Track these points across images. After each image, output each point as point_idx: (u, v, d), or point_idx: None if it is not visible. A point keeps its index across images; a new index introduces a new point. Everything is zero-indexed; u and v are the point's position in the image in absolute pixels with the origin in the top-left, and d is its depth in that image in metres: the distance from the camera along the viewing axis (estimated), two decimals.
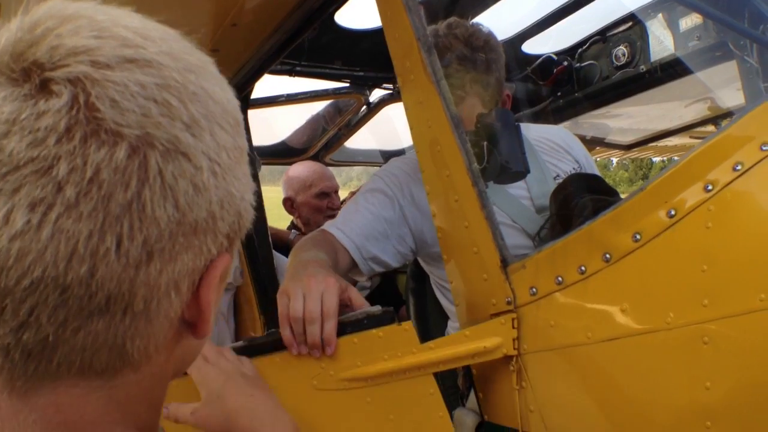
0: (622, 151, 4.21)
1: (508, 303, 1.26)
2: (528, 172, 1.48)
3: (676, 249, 1.06)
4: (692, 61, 2.62)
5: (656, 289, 1.07)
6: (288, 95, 3.02)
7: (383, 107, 3.34)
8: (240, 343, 1.31)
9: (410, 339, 1.25)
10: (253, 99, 2.69)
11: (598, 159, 4.77)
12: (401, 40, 1.42)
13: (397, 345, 1.25)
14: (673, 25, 2.67)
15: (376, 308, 1.28)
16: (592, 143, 3.98)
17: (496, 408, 1.34)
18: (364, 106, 3.32)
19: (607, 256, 1.13)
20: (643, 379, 1.07)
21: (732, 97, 3.29)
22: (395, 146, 4.43)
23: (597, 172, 2.07)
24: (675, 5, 2.63)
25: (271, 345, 1.27)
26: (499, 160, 1.38)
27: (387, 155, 4.38)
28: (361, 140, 4.17)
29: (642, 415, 1.07)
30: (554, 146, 1.88)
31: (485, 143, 1.38)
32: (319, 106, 3.52)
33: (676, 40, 2.66)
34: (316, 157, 3.84)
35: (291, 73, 2.69)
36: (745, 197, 1.03)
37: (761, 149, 1.02)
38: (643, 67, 2.76)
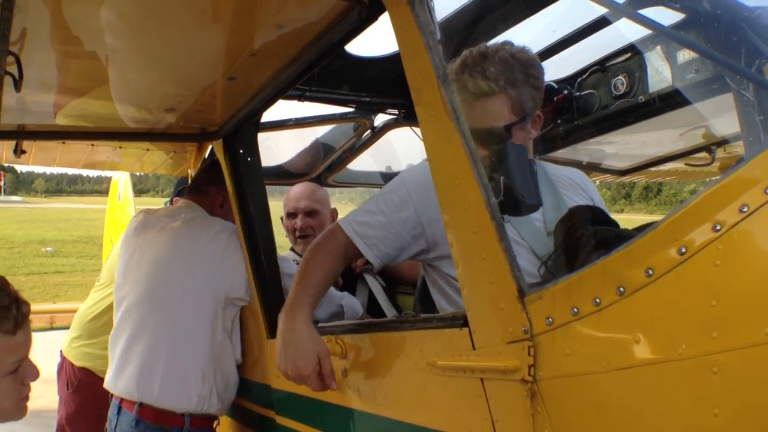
0: (618, 176, 4.31)
1: (525, 332, 1.33)
2: (540, 204, 1.56)
3: (686, 284, 1.13)
4: (689, 92, 2.72)
5: (668, 322, 1.14)
6: (296, 119, 3.10)
7: (387, 131, 3.42)
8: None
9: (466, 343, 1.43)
10: (263, 123, 2.76)
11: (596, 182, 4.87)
12: (421, 77, 1.51)
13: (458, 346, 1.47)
14: (671, 58, 2.77)
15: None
16: (588, 168, 4.08)
17: (512, 430, 1.40)
18: (369, 130, 3.40)
19: (621, 289, 1.20)
20: (655, 406, 1.14)
21: (725, 127, 3.41)
22: (396, 168, 4.53)
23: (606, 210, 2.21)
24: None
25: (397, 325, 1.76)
26: (514, 193, 1.46)
27: (387, 177, 4.47)
28: (361, 162, 4.26)
29: None
30: (572, 183, 2.03)
31: (501, 178, 1.45)
32: (322, 130, 3.59)
33: (674, 71, 2.76)
34: (318, 179, 3.91)
35: (301, 98, 2.78)
36: (751, 237, 1.11)
37: (765, 192, 1.10)
38: (641, 98, 2.85)
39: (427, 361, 1.61)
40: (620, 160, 4.10)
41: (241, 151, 2.68)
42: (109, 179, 8.60)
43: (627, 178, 4.47)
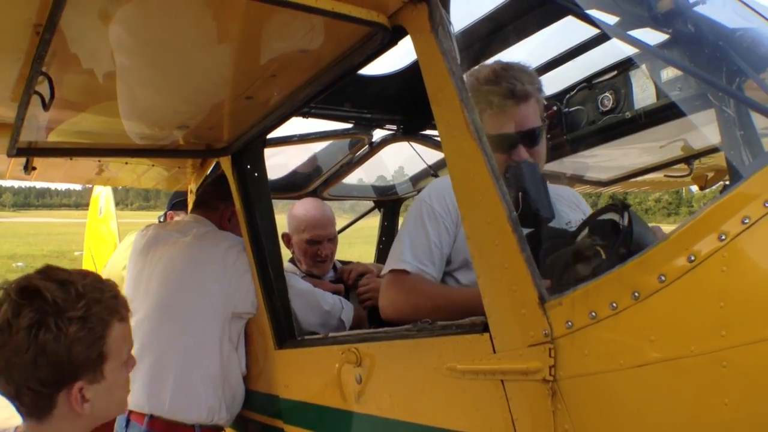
0: (600, 187, 4.48)
1: (546, 335, 1.46)
2: (553, 217, 1.69)
3: (696, 288, 1.27)
4: (673, 108, 2.88)
5: (680, 323, 1.27)
6: (301, 135, 3.20)
7: (385, 146, 3.54)
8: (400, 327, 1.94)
9: (487, 347, 1.53)
10: (269, 138, 2.86)
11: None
12: (444, 99, 1.62)
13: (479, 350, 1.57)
14: (655, 76, 2.93)
15: None
16: (572, 180, 4.24)
17: (531, 428, 1.52)
18: (367, 145, 3.51)
19: (636, 294, 1.33)
20: (669, 399, 1.27)
21: (702, 141, 3.59)
22: (386, 182, 4.66)
23: None
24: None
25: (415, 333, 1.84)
26: (531, 207, 1.58)
27: (378, 191, 4.60)
28: (352, 176, 4.37)
29: (666, 429, 1.27)
30: (567, 200, 2.15)
31: (520, 193, 1.58)
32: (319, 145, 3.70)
33: (659, 89, 2.92)
34: (314, 192, 4.01)
35: (306, 114, 2.88)
36: (753, 245, 1.24)
37: (764, 205, 1.24)
38: (628, 113, 3.00)
39: (447, 365, 1.72)
40: (602, 172, 4.27)
41: (249, 166, 2.77)
42: (78, 193, 8.53)
43: (610, 189, 4.64)
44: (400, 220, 4.76)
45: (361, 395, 2.12)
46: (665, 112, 2.92)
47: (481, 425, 1.66)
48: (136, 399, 2.72)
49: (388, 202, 4.71)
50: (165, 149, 2.91)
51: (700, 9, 2.06)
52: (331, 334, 2.38)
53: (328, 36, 1.80)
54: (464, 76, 1.58)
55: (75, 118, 2.44)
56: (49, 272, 1.50)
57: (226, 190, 2.89)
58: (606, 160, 3.93)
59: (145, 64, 2.03)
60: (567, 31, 2.83)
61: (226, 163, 2.84)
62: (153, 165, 3.32)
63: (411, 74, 2.98)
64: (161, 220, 4.29)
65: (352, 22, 1.68)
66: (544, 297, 1.47)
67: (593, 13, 2.58)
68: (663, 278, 1.30)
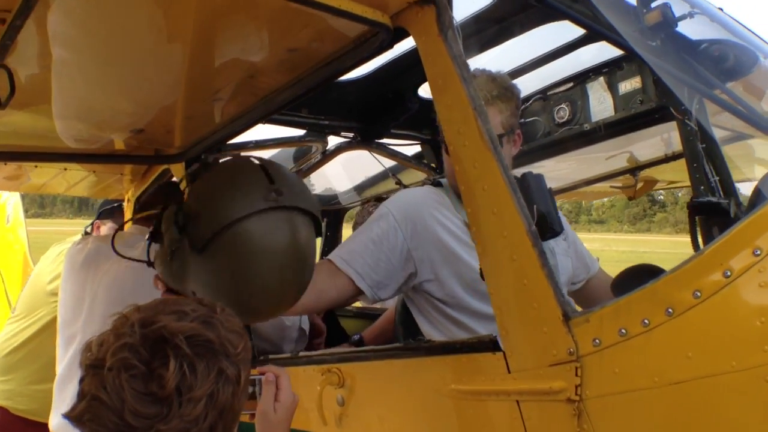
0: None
1: (570, 353, 1.40)
2: (563, 230, 1.65)
3: (733, 304, 1.25)
4: (630, 121, 2.93)
5: (718, 338, 1.25)
6: (257, 141, 3.05)
7: (339, 154, 3.43)
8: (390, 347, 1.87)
9: (500, 367, 1.47)
10: (224, 144, 2.70)
11: None
12: (455, 109, 1.55)
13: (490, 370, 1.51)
14: (613, 88, 2.97)
15: None
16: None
17: None
18: (321, 153, 3.40)
19: (670, 310, 1.29)
20: (710, 415, 1.25)
21: (649, 152, 3.70)
22: (329, 191, 4.56)
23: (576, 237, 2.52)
24: (615, 70, 2.95)
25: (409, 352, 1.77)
26: (547, 221, 1.53)
27: (320, 199, 4.48)
28: None
29: None
30: None
31: (534, 206, 1.53)
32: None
33: (617, 101, 2.96)
34: None
35: (263, 120, 2.73)
36: None
37: None
38: (586, 126, 3.03)
39: (451, 386, 1.64)
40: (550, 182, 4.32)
41: (205, 174, 2.60)
42: None
43: (558, 200, 4.71)
44: (344, 230, 4.67)
45: (343, 417, 2.01)
46: (622, 124, 2.97)
47: None
48: None
49: (331, 211, 4.60)
50: (110, 155, 2.70)
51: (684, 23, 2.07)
52: (304, 353, 2.25)
53: (320, 35, 1.70)
54: None
55: (8, 117, 2.21)
56: (175, 309, 1.21)
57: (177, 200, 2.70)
58: (553, 170, 3.97)
59: (100, 62, 1.85)
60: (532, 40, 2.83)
61: (178, 171, 2.65)
62: (94, 171, 3.07)
63: (371, 81, 2.90)
64: (88, 230, 4.00)
65: (352, 20, 1.58)
66: (568, 314, 1.41)
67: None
68: (698, 294, 1.27)
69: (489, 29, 2.41)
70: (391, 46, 1.72)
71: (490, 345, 1.57)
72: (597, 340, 1.37)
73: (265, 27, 1.68)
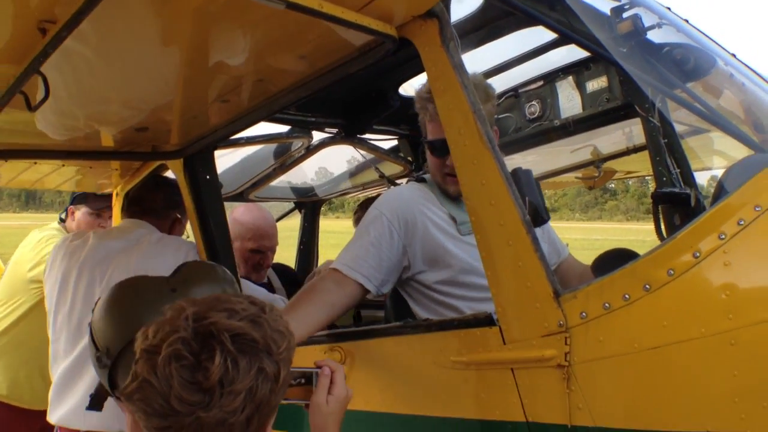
0: None
1: (560, 325, 1.61)
2: (549, 218, 1.86)
3: (702, 280, 1.47)
4: (598, 118, 3.16)
5: (690, 310, 1.47)
6: (247, 138, 3.19)
7: (323, 149, 3.59)
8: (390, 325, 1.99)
9: (496, 339, 1.65)
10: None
11: None
12: (457, 112, 1.74)
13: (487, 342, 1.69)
14: (581, 87, 3.20)
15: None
16: None
17: (543, 409, 1.67)
18: (305, 148, 3.55)
19: (647, 286, 1.51)
20: (684, 373, 1.46)
21: (611, 146, 3.95)
22: (304, 183, 4.71)
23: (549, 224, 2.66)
24: (583, 70, 3.18)
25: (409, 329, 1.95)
26: (536, 210, 1.73)
27: (297, 192, 4.63)
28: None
29: (682, 398, 1.46)
30: None
31: (527, 198, 1.73)
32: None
33: (584, 99, 3.19)
34: (241, 195, 4.00)
35: (264, 119, 2.87)
36: (748, 243, 1.46)
37: (755, 209, 1.47)
38: (556, 122, 3.26)
39: (451, 358, 1.84)
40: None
41: (201, 170, 2.74)
42: None
43: None
44: (321, 221, 4.83)
45: None
46: (589, 120, 3.20)
47: (489, 411, 1.79)
48: (102, 420, 2.58)
49: (309, 203, 4.75)
50: (108, 151, 2.81)
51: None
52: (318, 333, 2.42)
53: (330, 44, 1.85)
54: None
55: (9, 116, 2.30)
56: (227, 306, 1.30)
57: (178, 199, 2.83)
58: (520, 162, 4.20)
59: (114, 64, 1.96)
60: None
61: (176, 167, 2.78)
62: (91, 167, 3.16)
63: (356, 80, 3.05)
64: (63, 217, 4.02)
65: (361, 32, 1.74)
66: (558, 291, 1.62)
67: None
68: (672, 272, 1.49)
69: (471, 34, 2.60)
70: (395, 55, 1.89)
71: (486, 321, 1.77)
72: (584, 313, 1.58)
73: (278, 35, 1.82)
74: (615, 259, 1.82)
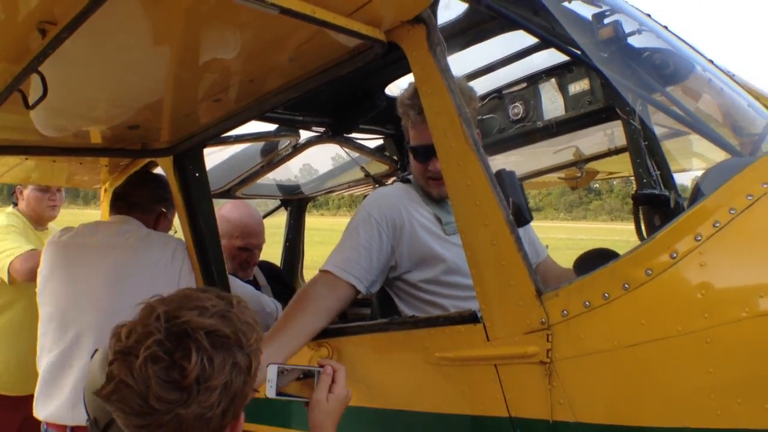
0: None
1: (542, 323, 1.67)
2: (532, 218, 1.91)
3: (679, 280, 1.53)
4: (580, 120, 3.22)
5: (667, 308, 1.53)
6: (236, 136, 3.22)
7: (309, 147, 3.63)
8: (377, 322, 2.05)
9: (480, 336, 1.71)
10: None
11: None
12: (443, 114, 1.78)
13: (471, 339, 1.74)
14: (563, 89, 3.26)
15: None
16: None
17: (526, 405, 1.72)
18: (292, 147, 3.59)
19: (626, 285, 1.57)
20: (660, 370, 1.52)
21: (593, 147, 4.03)
22: (289, 181, 4.74)
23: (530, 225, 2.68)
24: (566, 73, 3.24)
25: (396, 326, 1.99)
26: (520, 211, 1.79)
27: (283, 189, 4.66)
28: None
29: (659, 394, 1.52)
30: None
31: (511, 198, 1.78)
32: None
33: (567, 101, 3.25)
34: (228, 192, 4.02)
35: (254, 119, 2.90)
36: (723, 244, 1.52)
37: (730, 212, 1.53)
38: (539, 123, 3.32)
39: (436, 354, 1.89)
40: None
41: (191, 167, 2.76)
42: None
43: None
44: (307, 219, 4.86)
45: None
46: (573, 122, 3.26)
47: (473, 406, 1.84)
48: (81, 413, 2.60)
49: (295, 200, 4.78)
50: (99, 148, 2.83)
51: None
52: None
53: (320, 47, 1.88)
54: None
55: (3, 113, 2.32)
56: (197, 304, 1.35)
57: (164, 193, 2.86)
58: (505, 164, 4.26)
59: (109, 62, 1.98)
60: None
61: (166, 164, 2.81)
62: (81, 163, 3.18)
63: (343, 80, 3.09)
64: (15, 201, 4.03)
65: (350, 36, 1.78)
66: (540, 290, 1.67)
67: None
68: (650, 272, 1.55)
69: (457, 37, 2.65)
70: (384, 58, 1.93)
71: (471, 318, 1.82)
72: (565, 311, 1.64)
73: (269, 36, 1.85)
74: (596, 259, 1.88)
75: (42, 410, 2.71)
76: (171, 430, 1.25)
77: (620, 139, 3.58)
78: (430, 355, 1.91)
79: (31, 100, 1.80)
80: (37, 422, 2.74)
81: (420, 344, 1.95)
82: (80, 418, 2.51)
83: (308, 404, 1.74)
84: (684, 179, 3.23)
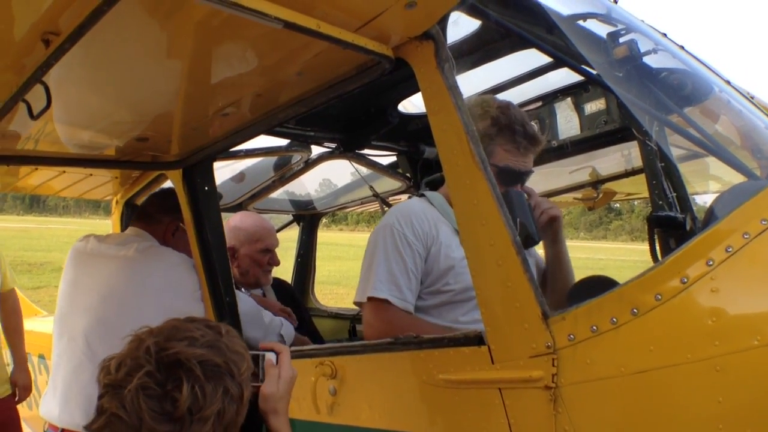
0: None
1: (548, 347, 1.62)
2: (540, 239, 1.87)
3: (689, 306, 1.48)
4: (596, 139, 3.18)
5: (676, 335, 1.48)
6: (246, 150, 3.21)
7: (321, 163, 3.61)
8: (381, 341, 2.04)
9: (485, 359, 1.66)
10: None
11: None
12: (450, 132, 1.75)
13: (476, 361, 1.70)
14: (579, 108, 3.22)
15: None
16: None
17: (530, 430, 1.67)
18: (303, 162, 3.58)
19: (635, 310, 1.52)
20: (669, 398, 1.47)
21: (609, 167, 3.97)
22: (306, 196, 4.73)
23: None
24: (582, 92, 3.20)
25: (400, 346, 1.95)
26: (527, 232, 1.75)
27: (296, 204, 4.65)
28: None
29: (667, 423, 1.46)
30: None
31: (518, 219, 1.74)
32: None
33: (582, 120, 3.21)
34: (240, 206, 4.01)
35: (263, 133, 2.90)
36: (736, 270, 1.47)
37: (743, 237, 1.48)
38: (554, 143, 3.28)
39: (440, 376, 1.85)
40: None
41: (200, 181, 2.76)
42: None
43: None
44: (325, 234, 4.85)
45: (335, 406, 2.20)
46: (588, 142, 3.22)
47: (476, 430, 1.79)
48: (73, 417, 2.63)
49: (307, 216, 4.77)
50: (109, 160, 2.83)
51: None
52: (296, 348, 2.43)
53: (328, 62, 1.87)
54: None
55: (48, 128, 2.34)
56: (186, 335, 1.35)
57: (172, 204, 2.86)
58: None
59: (118, 74, 1.99)
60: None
61: (175, 177, 2.80)
62: (91, 174, 3.19)
63: (355, 96, 3.07)
64: None
65: (358, 52, 1.76)
66: (546, 313, 1.63)
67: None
68: (659, 297, 1.50)
69: (470, 55, 2.63)
70: (392, 74, 1.91)
71: (476, 340, 1.78)
72: (572, 336, 1.59)
73: (277, 52, 1.85)
74: (593, 287, 1.84)
75: (42, 407, 2.83)
76: None
77: (637, 160, 3.53)
78: (433, 377, 1.87)
79: (35, 111, 1.79)
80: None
81: (424, 365, 1.91)
82: (68, 421, 2.57)
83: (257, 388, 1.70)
84: (701, 202, 3.16)
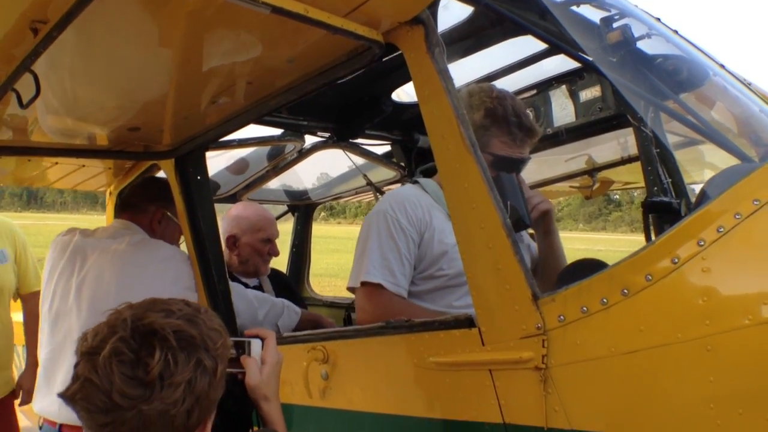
0: None
1: (538, 328, 1.62)
2: (531, 223, 1.87)
3: (680, 286, 1.48)
4: (591, 127, 3.17)
5: (667, 315, 1.47)
6: (239, 140, 3.20)
7: (315, 152, 3.61)
8: (372, 325, 2.04)
9: (475, 341, 1.67)
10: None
11: None
12: (440, 116, 1.75)
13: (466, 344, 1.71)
14: (574, 96, 3.21)
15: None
16: None
17: (520, 411, 1.67)
18: (297, 152, 3.57)
19: (625, 291, 1.52)
20: (660, 378, 1.47)
21: (606, 155, 3.96)
22: (299, 187, 4.72)
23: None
24: (576, 79, 3.19)
25: (391, 330, 1.94)
26: (517, 214, 1.75)
27: (291, 195, 4.65)
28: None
29: (657, 403, 1.46)
30: None
31: (509, 202, 1.74)
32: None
33: (577, 108, 3.20)
34: (234, 196, 4.01)
35: (254, 121, 2.89)
36: (727, 250, 1.47)
37: (735, 217, 1.47)
38: (549, 130, 3.27)
39: (431, 359, 1.84)
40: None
41: (192, 170, 2.75)
42: None
43: None
44: (323, 227, 4.84)
45: (327, 390, 2.20)
46: (583, 130, 3.21)
47: (467, 411, 1.79)
48: (72, 413, 2.62)
49: (302, 206, 4.76)
50: (101, 150, 2.82)
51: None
52: (290, 334, 2.43)
53: (318, 48, 1.86)
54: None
55: (38, 118, 2.33)
56: (163, 308, 1.37)
57: (156, 193, 2.85)
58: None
59: (105, 63, 1.98)
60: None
61: (167, 167, 2.79)
62: (84, 165, 3.18)
63: (349, 85, 3.07)
64: None
65: (348, 37, 1.75)
66: (537, 294, 1.63)
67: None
68: (650, 277, 1.50)
69: (463, 42, 2.62)
70: (382, 60, 1.90)
71: (466, 322, 1.78)
72: (562, 317, 1.59)
73: (267, 39, 1.84)
74: (583, 269, 1.83)
75: (37, 403, 2.80)
76: (134, 428, 1.25)
77: (633, 148, 3.52)
78: (424, 360, 1.87)
79: (24, 100, 1.78)
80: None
81: (415, 348, 1.91)
82: (68, 417, 2.56)
83: (244, 376, 1.71)
84: (696, 188, 3.16)
